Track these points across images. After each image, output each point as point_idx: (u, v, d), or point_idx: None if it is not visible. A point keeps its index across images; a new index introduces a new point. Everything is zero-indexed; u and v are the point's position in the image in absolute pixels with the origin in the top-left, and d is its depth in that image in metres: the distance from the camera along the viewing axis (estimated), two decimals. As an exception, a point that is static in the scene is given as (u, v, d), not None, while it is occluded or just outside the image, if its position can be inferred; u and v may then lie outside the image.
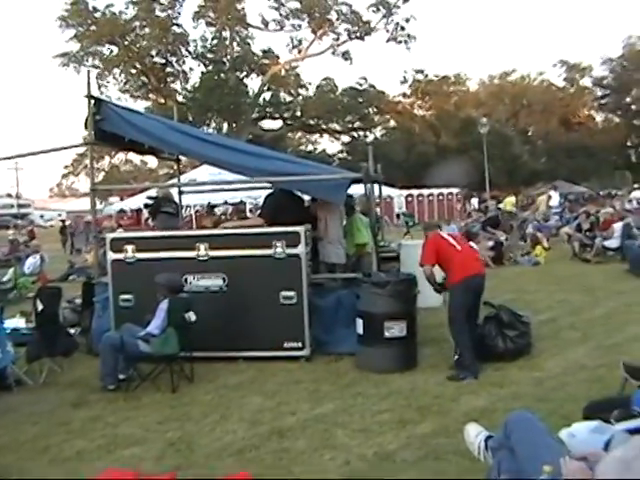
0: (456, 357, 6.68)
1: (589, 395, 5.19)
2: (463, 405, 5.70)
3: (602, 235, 15.72)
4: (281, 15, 43.93)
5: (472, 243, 15.71)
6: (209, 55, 44.54)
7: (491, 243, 15.78)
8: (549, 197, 26.83)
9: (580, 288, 11.66)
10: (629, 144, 62.99)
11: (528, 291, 11.62)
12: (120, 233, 10.28)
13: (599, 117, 65.16)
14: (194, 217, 23.93)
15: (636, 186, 38.81)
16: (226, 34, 43.89)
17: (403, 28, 44.90)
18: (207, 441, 5.16)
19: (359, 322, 6.95)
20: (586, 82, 63.20)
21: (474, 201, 38.04)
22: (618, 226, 15.61)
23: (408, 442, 4.93)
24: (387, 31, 45.14)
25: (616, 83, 60.01)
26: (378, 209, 11.40)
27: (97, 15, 39.98)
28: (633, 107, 60.34)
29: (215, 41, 44.31)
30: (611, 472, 2.68)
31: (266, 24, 44.62)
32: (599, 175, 64.16)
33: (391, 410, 5.64)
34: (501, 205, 29.37)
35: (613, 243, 15.25)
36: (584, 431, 3.48)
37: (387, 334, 6.75)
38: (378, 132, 55.42)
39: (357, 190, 9.03)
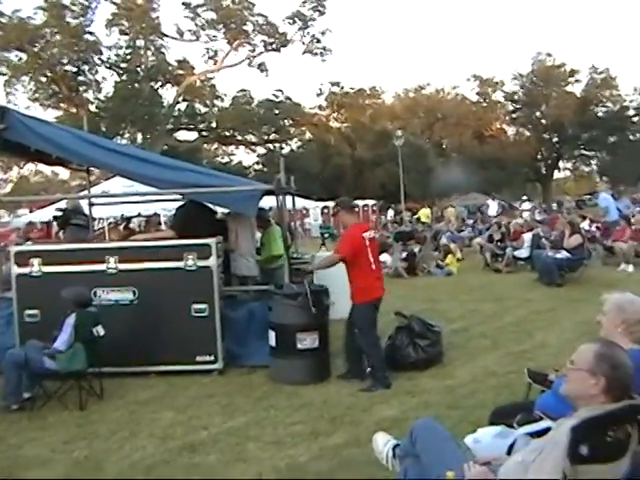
0: (369, 370, 6.71)
1: (498, 401, 5.29)
2: (375, 415, 5.73)
3: (512, 245, 16.13)
4: (197, 25, 43.44)
5: (386, 254, 16.06)
6: (123, 64, 43.50)
7: (405, 254, 15.97)
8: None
9: (491, 297, 11.92)
10: (539, 157, 64.96)
11: (441, 301, 11.79)
12: (25, 246, 9.93)
13: (511, 131, 66.97)
14: (107, 229, 23.42)
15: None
16: (140, 43, 43.04)
17: (319, 40, 45.23)
18: (115, 459, 5.02)
19: (271, 334, 6.90)
20: (498, 96, 64.97)
21: (391, 212, 38.54)
22: (528, 236, 16.06)
23: (320, 453, 4.92)
24: (303, 43, 45.36)
25: (527, 98, 61.93)
26: (299, 221, 11.40)
27: (3, 20, 38.64)
28: (543, 121, 62.32)
29: (129, 50, 43.34)
30: (511, 474, 2.75)
31: (181, 34, 44.07)
32: (511, 187, 66.02)
33: (304, 422, 5.62)
34: (416, 216, 29.91)
35: (523, 253, 15.66)
36: (488, 436, 3.54)
37: (299, 346, 6.73)
38: (294, 144, 55.64)
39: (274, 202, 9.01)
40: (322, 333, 6.92)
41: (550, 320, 9.59)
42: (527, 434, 3.20)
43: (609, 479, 2.62)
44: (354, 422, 5.56)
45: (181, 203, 9.01)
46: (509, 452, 3.13)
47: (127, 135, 45.05)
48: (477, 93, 64.17)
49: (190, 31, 43.82)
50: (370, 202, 40.64)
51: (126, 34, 42.55)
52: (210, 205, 8.62)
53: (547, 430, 2.97)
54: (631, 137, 62.15)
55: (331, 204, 37.96)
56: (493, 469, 2.99)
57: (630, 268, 14.37)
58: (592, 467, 2.58)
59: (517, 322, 9.56)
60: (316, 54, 45.86)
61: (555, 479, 2.54)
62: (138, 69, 43.48)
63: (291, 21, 44.49)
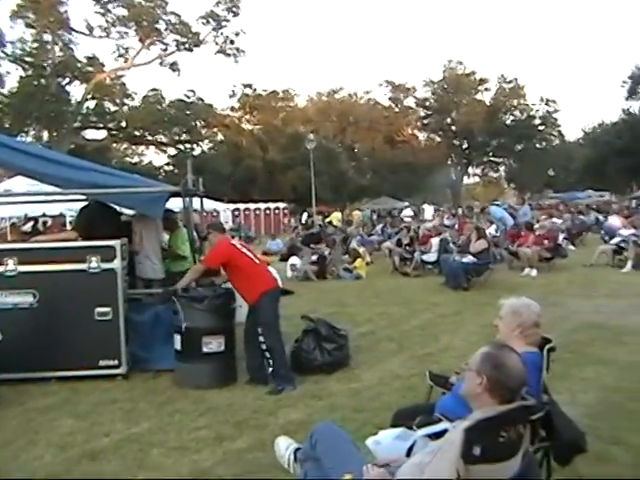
0: (270, 369, 6.68)
1: (402, 403, 5.33)
2: (281, 418, 5.71)
3: (421, 249, 16.39)
4: (107, 22, 42.61)
5: (295, 257, 16.08)
6: (28, 59, 42.17)
7: (314, 257, 16.03)
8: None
9: (399, 301, 12.05)
10: (449, 162, 66.43)
11: (349, 304, 11.85)
12: None
13: (422, 136, 68.41)
14: (8, 230, 22.69)
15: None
16: (47, 37, 41.93)
17: (232, 42, 45.10)
18: (10, 469, 4.83)
19: (177, 338, 6.79)
20: (410, 102, 66.26)
21: (305, 216, 38.63)
22: (435, 241, 16.34)
23: (224, 458, 4.87)
24: (216, 44, 45.18)
25: (438, 104, 63.32)
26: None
27: None
28: (453, 128, 63.82)
29: (35, 44, 42.14)
30: (408, 475, 2.80)
31: (91, 30, 43.07)
32: (421, 192, 67.27)
33: (208, 426, 5.55)
34: (328, 220, 30.06)
35: (431, 257, 15.92)
36: (389, 438, 3.58)
37: (205, 349, 6.64)
38: (205, 145, 55.23)
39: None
40: (228, 336, 6.84)
41: (456, 323, 9.77)
42: (426, 436, 3.24)
43: (501, 478, 2.69)
44: (259, 426, 5.53)
45: (85, 204, 8.77)
46: (409, 454, 3.17)
47: (32, 132, 43.87)
48: (389, 98, 65.35)
49: (100, 27, 42.99)
50: (281, 205, 40.67)
51: (32, 27, 41.29)
52: (115, 206, 8.45)
53: (445, 432, 3.02)
54: (537, 145, 64.32)
55: (243, 206, 38.01)
56: (392, 470, 3.04)
57: (534, 272, 14.82)
58: (484, 467, 2.64)
59: (423, 325, 9.70)
60: (229, 55, 45.72)
61: (449, 479, 2.59)
62: (45, 64, 42.24)
63: (205, 21, 44.25)
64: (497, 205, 19.12)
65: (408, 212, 33.80)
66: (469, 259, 13.39)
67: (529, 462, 2.96)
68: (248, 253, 6.97)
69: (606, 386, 6.37)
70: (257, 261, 7.02)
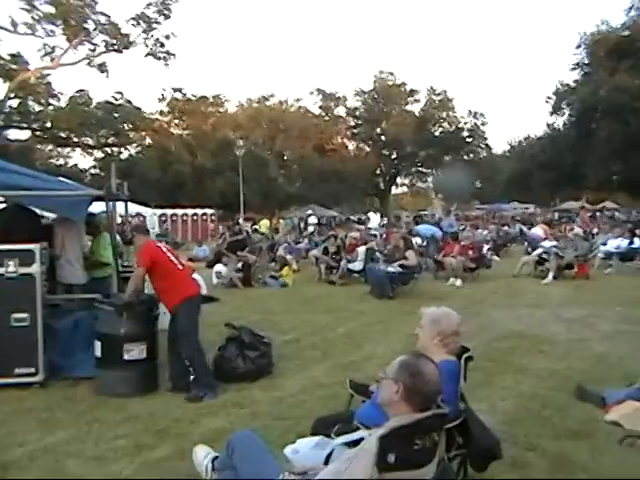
0: (192, 377, 6.60)
1: (324, 411, 5.32)
2: (202, 427, 5.65)
3: (347, 258, 16.46)
4: (33, 19, 41.27)
5: (221, 264, 15.97)
6: (-53, 54, 40.73)
7: (240, 264, 15.94)
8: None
9: (324, 309, 12.08)
10: (378, 172, 67.02)
11: (275, 312, 11.81)
12: None
13: (351, 145, 68.81)
14: None
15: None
16: (-33, 32, 40.59)
17: (163, 45, 44.36)
18: None
19: (97, 345, 6.64)
20: (340, 111, 66.61)
21: (242, 221, 38.25)
22: (362, 250, 16.45)
23: (143, 467, 4.79)
24: (146, 46, 44.28)
25: (368, 114, 63.82)
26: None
27: None
28: (383, 138, 64.42)
29: (-46, 39, 40.65)
30: (324, 483, 2.81)
31: (15, 26, 41.77)
32: (350, 200, 67.72)
33: (128, 435, 5.44)
34: (256, 227, 29.96)
35: (357, 266, 16.00)
36: (307, 446, 3.60)
37: (127, 357, 6.51)
38: (133, 149, 54.35)
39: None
40: (150, 343, 6.75)
41: (380, 332, 9.82)
42: (344, 444, 3.26)
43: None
44: (180, 434, 5.46)
45: (3, 206, 8.53)
46: (327, 462, 3.19)
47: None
48: (320, 107, 65.56)
49: (26, 24, 41.56)
50: (209, 211, 40.31)
51: (-50, 21, 39.83)
52: (36, 209, 8.25)
53: (362, 440, 3.04)
54: (465, 157, 65.36)
55: (170, 211, 37.54)
56: (309, 479, 3.05)
57: (458, 282, 15.05)
58: (399, 474, 2.69)
59: (348, 334, 9.72)
60: (159, 58, 44.99)
61: None
62: (-37, 60, 40.86)
63: (135, 23, 43.37)
64: (424, 214, 19.32)
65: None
66: (395, 268, 13.51)
67: (444, 469, 3.01)
68: (172, 258, 6.89)
69: (524, 394, 6.51)
70: (181, 267, 6.94)
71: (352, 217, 46.28)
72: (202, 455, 3.87)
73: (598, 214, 39.16)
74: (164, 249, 6.99)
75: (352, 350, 8.64)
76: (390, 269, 13.56)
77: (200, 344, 6.78)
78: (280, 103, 66.02)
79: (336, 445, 3.29)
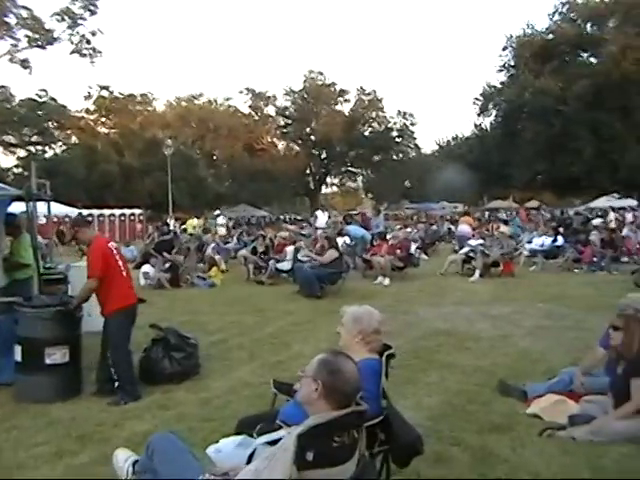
0: (117, 383, 6.48)
1: (251, 412, 5.31)
2: (126, 430, 5.56)
3: (275, 258, 16.44)
4: (-51, 11, 40.10)
5: (148, 265, 15.75)
6: None
7: (167, 265, 15.78)
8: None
9: (252, 309, 12.03)
10: (308, 172, 67.11)
11: (202, 312, 11.71)
12: None
13: (281, 145, 68.75)
14: None
15: (217, 212, 40.58)
16: None
17: (89, 41, 43.54)
18: None
19: (17, 349, 6.43)
20: (270, 111, 66.47)
21: (172, 222, 37.68)
22: (290, 249, 16.45)
23: (64, 474, 4.68)
24: (72, 42, 43.39)
25: (297, 114, 63.83)
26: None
27: None
28: (313, 137, 64.51)
29: None
30: (244, 481, 2.80)
31: None
32: (280, 200, 67.66)
33: (49, 442, 5.31)
34: (184, 227, 29.64)
35: (285, 266, 15.98)
36: (230, 446, 3.59)
37: (48, 361, 6.34)
38: (58, 148, 53.07)
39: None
40: (73, 347, 6.59)
41: (308, 331, 9.83)
42: (266, 443, 3.25)
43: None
44: (103, 439, 5.36)
45: None
46: (249, 461, 3.17)
47: None
48: (249, 106, 65.33)
49: (-60, 17, 40.33)
50: (137, 211, 39.77)
51: None
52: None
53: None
54: (394, 157, 66.01)
55: (97, 212, 36.85)
56: (231, 479, 3.04)
57: (386, 281, 15.15)
58: (318, 472, 2.70)
59: (276, 333, 9.72)
60: (85, 55, 44.15)
61: None
62: None
63: (59, 18, 42.44)
64: (354, 213, 19.37)
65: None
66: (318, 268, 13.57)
67: (365, 466, 3.03)
68: (120, 262, 6.69)
69: (449, 390, 6.60)
70: (124, 273, 6.72)
71: (298, 217, 46.16)
72: (122, 459, 3.81)
73: (534, 212, 40.22)
74: (113, 249, 6.72)
75: (279, 350, 8.63)
76: (304, 258, 13.74)
77: (129, 354, 6.67)
78: (209, 102, 65.57)
79: (258, 444, 3.28)
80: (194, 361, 7.27)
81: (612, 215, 30.63)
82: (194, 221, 32.03)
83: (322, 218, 26.74)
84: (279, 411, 3.93)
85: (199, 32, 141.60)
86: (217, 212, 35.63)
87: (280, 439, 3.06)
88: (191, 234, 23.57)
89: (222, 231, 27.48)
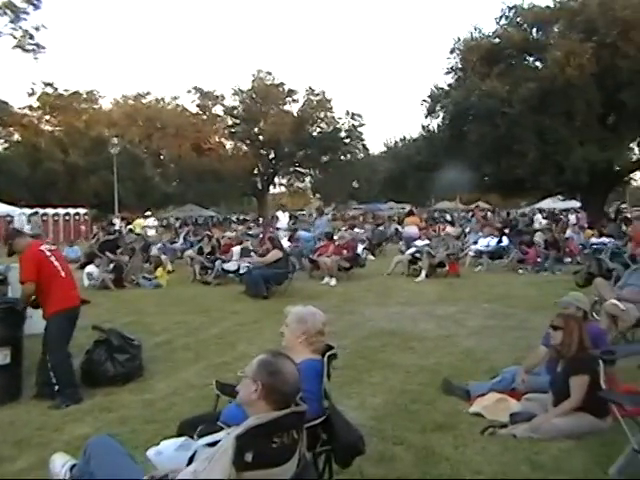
0: (57, 387, 6.36)
1: (195, 413, 5.27)
2: (67, 434, 5.47)
3: (222, 258, 16.35)
4: None
5: (92, 265, 15.53)
6: None
7: (112, 265, 15.58)
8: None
9: (198, 309, 11.95)
10: (256, 172, 66.88)
11: (147, 313, 11.61)
12: None
13: (229, 145, 68.30)
14: None
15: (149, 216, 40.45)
16: None
17: (32, 36, 42.57)
18: None
19: (-48, 351, 6.30)
20: (218, 110, 66.07)
21: (117, 221, 37.12)
22: (237, 249, 16.41)
23: (0, 481, 4.58)
24: (14, 37, 42.34)
25: (246, 114, 63.59)
26: None
27: None
28: (261, 138, 64.33)
29: None
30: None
31: None
32: (228, 200, 67.33)
33: (-16, 448, 5.19)
34: (130, 226, 29.32)
35: (232, 266, 15.91)
36: (171, 448, 3.55)
37: (-11, 362, 6.22)
38: (0, 145, 51.99)
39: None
40: (15, 349, 6.47)
41: (253, 331, 9.81)
42: (206, 444, 3.23)
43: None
44: (43, 443, 5.26)
45: None
46: (190, 463, 3.15)
47: None
48: (197, 105, 64.83)
49: None
50: (82, 210, 39.17)
51: None
52: None
53: (223, 440, 3.04)
54: (342, 157, 66.15)
55: (41, 211, 36.14)
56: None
57: (333, 281, 15.19)
58: (257, 472, 2.70)
59: (221, 334, 9.67)
60: (28, 51, 43.18)
61: None
62: None
63: (1, 12, 41.39)
64: (301, 214, 19.36)
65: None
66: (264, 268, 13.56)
67: (305, 466, 3.04)
68: (56, 263, 6.56)
69: (393, 389, 6.64)
70: (63, 273, 6.60)
71: (246, 217, 45.85)
72: (60, 463, 3.73)
73: (490, 214, 40.76)
74: (47, 252, 6.58)
75: (225, 350, 8.59)
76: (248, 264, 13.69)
77: (68, 357, 6.56)
78: (157, 101, 64.82)
79: (199, 446, 3.26)
80: (137, 363, 7.20)
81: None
82: (141, 221, 31.69)
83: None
84: (221, 412, 3.91)
85: (146, 30, 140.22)
86: (148, 213, 35.16)
87: (220, 441, 3.05)
88: (138, 234, 23.27)
89: (151, 232, 27.19)
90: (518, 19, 31.86)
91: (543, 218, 34.39)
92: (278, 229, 22.88)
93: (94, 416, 5.94)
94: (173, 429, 5.04)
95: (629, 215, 32.51)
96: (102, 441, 3.55)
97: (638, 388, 5.85)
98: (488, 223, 25.78)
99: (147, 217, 33.01)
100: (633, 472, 4.39)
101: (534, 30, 31.74)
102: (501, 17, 32.30)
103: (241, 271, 13.67)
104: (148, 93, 64.93)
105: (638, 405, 4.73)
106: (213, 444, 3.12)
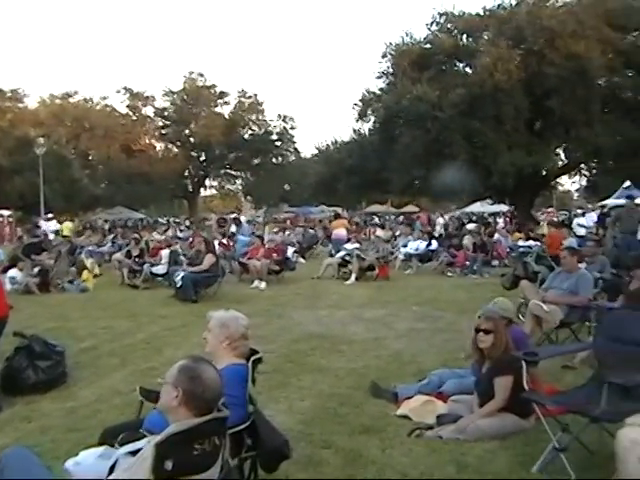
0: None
1: (120, 420, 5.16)
2: (-17, 445, 5.28)
3: (150, 262, 16.14)
4: None
5: (15, 269, 15.12)
6: None
7: (37, 269, 15.19)
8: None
9: (126, 314, 11.76)
10: (187, 174, 66.29)
11: (72, 319, 11.35)
12: None
13: (159, 146, 67.42)
14: None
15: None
16: None
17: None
18: None
19: None
20: (148, 111, 65.19)
21: (43, 223, 36.04)
22: (165, 253, 16.24)
23: None
24: None
25: (177, 115, 62.95)
26: None
27: None
28: (192, 139, 63.77)
29: None
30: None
31: None
32: (157, 203, 66.52)
33: None
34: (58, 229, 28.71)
35: (161, 269, 15.73)
36: (91, 458, 3.47)
37: None
38: None
39: None
40: None
41: (181, 336, 9.70)
42: (128, 453, 3.16)
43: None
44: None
45: None
46: (110, 473, 3.08)
47: None
48: (127, 106, 63.80)
49: None
50: (6, 212, 38.17)
51: None
52: None
53: (145, 448, 2.97)
54: (274, 160, 66.12)
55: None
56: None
57: (263, 285, 15.16)
58: (179, 480, 2.63)
59: (149, 339, 9.53)
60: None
61: None
62: None
63: None
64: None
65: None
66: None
67: (228, 472, 3.01)
68: None
69: (322, 393, 6.63)
70: None
71: (177, 219, 45.25)
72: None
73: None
74: None
75: (152, 355, 8.46)
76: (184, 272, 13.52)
77: None
78: (85, 101, 63.44)
79: (120, 455, 3.18)
80: (61, 369, 7.00)
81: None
82: (69, 224, 31.02)
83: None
84: (145, 419, 3.84)
85: (74, 28, 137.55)
86: (50, 215, 34.31)
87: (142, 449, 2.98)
88: (64, 236, 22.79)
89: (52, 237, 26.52)
90: (449, 25, 32.41)
91: (473, 222, 34.99)
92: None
93: (14, 426, 5.76)
94: (97, 438, 4.91)
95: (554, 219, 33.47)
96: (17, 453, 3.43)
97: (560, 388, 5.99)
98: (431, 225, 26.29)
99: (49, 219, 32.04)
100: (554, 470, 4.49)
101: (464, 36, 32.33)
102: (432, 23, 32.81)
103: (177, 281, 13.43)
104: (76, 92, 63.55)
105: (559, 404, 4.84)
106: (135, 452, 3.06)
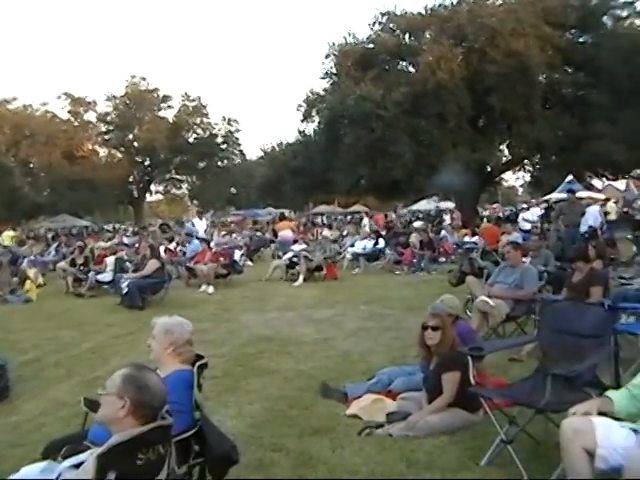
0: None
1: (66, 433, 5.05)
2: None
3: (96, 269, 15.90)
4: None
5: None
6: None
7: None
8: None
9: (71, 324, 11.57)
10: (131, 180, 65.49)
11: (14, 330, 11.11)
12: None
13: (103, 152, 66.39)
14: None
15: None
16: None
17: None
18: None
19: None
20: (91, 117, 64.19)
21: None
22: (111, 260, 16.02)
23: None
24: None
25: (120, 120, 62.15)
26: None
27: None
28: (135, 144, 63.01)
29: None
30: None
31: None
32: (102, 209, 65.62)
33: None
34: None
35: (106, 277, 15.51)
36: (33, 473, 3.39)
37: None
38: None
39: None
40: None
41: (128, 344, 9.58)
42: (72, 466, 3.09)
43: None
44: None
45: None
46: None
47: None
48: (68, 112, 62.76)
49: None
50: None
51: None
52: None
53: (88, 461, 2.91)
54: (220, 163, 65.83)
55: None
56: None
57: (210, 289, 15.04)
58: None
59: (95, 348, 9.39)
60: None
61: None
62: None
63: None
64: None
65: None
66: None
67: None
68: None
69: (271, 396, 6.59)
70: None
71: (122, 225, 44.57)
72: None
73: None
74: None
75: (98, 365, 8.33)
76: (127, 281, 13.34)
77: None
78: (24, 107, 62.23)
79: (63, 469, 3.12)
80: (3, 383, 6.88)
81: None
82: (10, 233, 30.37)
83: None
84: (89, 431, 3.77)
85: (11, 32, 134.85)
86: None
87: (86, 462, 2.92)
88: (5, 246, 22.33)
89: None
90: (391, 25, 32.53)
91: (420, 219, 35.28)
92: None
93: (-46, 445, 5.60)
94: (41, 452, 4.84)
95: (500, 215, 33.93)
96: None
97: (507, 380, 6.07)
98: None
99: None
100: (502, 462, 4.56)
101: (407, 36, 32.49)
102: (374, 23, 32.86)
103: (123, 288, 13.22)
104: (15, 99, 62.27)
105: (506, 397, 4.90)
106: (78, 465, 3.00)
